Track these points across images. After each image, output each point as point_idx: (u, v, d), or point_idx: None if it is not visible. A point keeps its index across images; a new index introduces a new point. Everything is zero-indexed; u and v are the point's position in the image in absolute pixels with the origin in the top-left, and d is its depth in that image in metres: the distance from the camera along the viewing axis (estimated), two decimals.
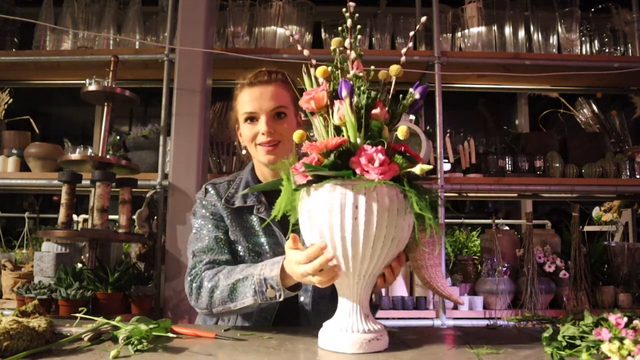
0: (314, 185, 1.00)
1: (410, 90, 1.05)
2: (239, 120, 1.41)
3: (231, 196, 1.40)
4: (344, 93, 0.99)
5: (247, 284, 1.16)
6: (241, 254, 1.37)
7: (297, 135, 1.03)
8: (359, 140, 1.00)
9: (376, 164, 0.94)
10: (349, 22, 1.04)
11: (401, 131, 0.97)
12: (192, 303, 1.29)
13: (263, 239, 1.37)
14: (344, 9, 1.05)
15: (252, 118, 1.37)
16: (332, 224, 0.97)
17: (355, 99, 1.00)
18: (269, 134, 1.34)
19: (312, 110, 1.04)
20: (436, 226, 0.97)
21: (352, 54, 1.03)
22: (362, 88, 1.01)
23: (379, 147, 0.96)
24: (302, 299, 1.36)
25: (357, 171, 0.96)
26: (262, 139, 1.34)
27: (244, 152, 1.46)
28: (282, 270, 1.12)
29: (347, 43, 1.03)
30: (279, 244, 1.37)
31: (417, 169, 0.96)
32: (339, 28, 1.04)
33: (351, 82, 1.00)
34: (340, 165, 0.98)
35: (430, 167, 0.97)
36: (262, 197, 1.39)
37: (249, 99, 1.36)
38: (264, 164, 1.38)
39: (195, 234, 1.38)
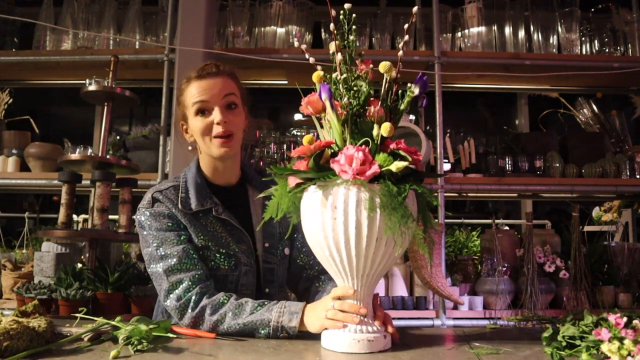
0: (302, 187, 1.02)
1: (409, 85, 1.04)
2: (187, 115, 1.36)
3: (184, 201, 1.33)
4: (324, 96, 1.00)
5: (260, 328, 1.14)
6: (212, 258, 1.31)
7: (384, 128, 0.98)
8: (347, 141, 1.00)
9: (354, 163, 0.94)
10: (331, 25, 1.04)
11: (384, 128, 0.97)
12: (184, 322, 1.20)
13: (230, 240, 1.34)
14: (340, 12, 1.04)
15: (203, 110, 1.33)
16: (316, 224, 0.99)
17: (344, 99, 1.00)
18: (224, 124, 1.31)
19: (312, 114, 1.05)
20: (410, 229, 0.96)
21: (339, 56, 1.02)
22: (354, 88, 1.01)
23: (363, 147, 0.96)
24: (267, 290, 1.38)
25: (337, 171, 0.96)
26: (217, 129, 1.31)
27: (190, 147, 1.43)
28: (301, 320, 1.13)
29: (332, 45, 1.03)
30: (242, 241, 1.35)
31: (393, 167, 0.95)
32: (335, 31, 1.03)
33: (329, 85, 1.00)
34: (328, 167, 0.99)
35: (405, 164, 0.95)
36: (215, 197, 1.36)
37: (199, 91, 1.32)
38: (217, 157, 1.34)
39: (156, 250, 1.27)
